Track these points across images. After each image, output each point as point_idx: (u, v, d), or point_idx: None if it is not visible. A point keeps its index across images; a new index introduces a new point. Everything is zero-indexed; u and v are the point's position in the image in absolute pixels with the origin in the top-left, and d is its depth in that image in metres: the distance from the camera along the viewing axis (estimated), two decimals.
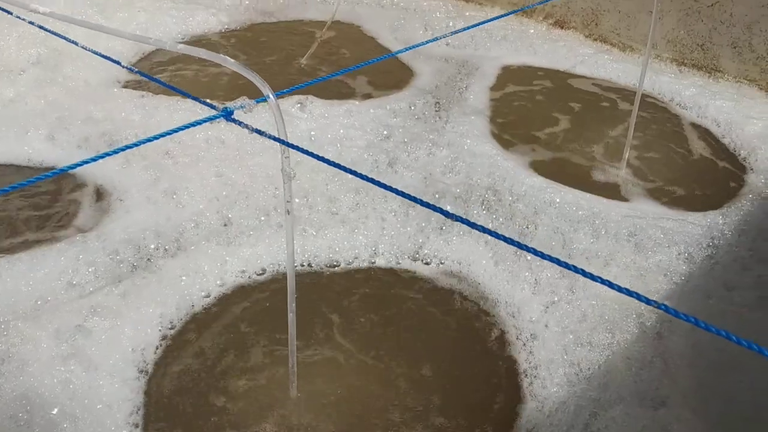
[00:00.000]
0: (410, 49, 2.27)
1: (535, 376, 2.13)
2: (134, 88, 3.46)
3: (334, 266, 2.48)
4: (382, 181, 1.42)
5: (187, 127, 1.58)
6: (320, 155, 1.50)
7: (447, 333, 2.28)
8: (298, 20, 4.36)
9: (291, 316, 1.83)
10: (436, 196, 2.71)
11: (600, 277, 1.27)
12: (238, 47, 3.99)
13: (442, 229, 2.57)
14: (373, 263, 2.50)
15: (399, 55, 4.00)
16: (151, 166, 2.76)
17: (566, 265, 1.30)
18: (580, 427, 1.95)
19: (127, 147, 1.60)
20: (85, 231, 2.53)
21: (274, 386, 2.04)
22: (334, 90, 3.48)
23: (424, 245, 2.55)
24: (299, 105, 3.17)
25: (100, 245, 2.45)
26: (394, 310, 2.34)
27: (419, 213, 2.58)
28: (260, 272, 2.43)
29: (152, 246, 2.45)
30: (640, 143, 3.25)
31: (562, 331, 2.25)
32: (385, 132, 3.10)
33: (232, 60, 1.56)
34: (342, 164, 1.49)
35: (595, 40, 4.16)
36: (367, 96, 3.45)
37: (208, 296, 2.33)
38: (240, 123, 1.53)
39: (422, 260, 2.52)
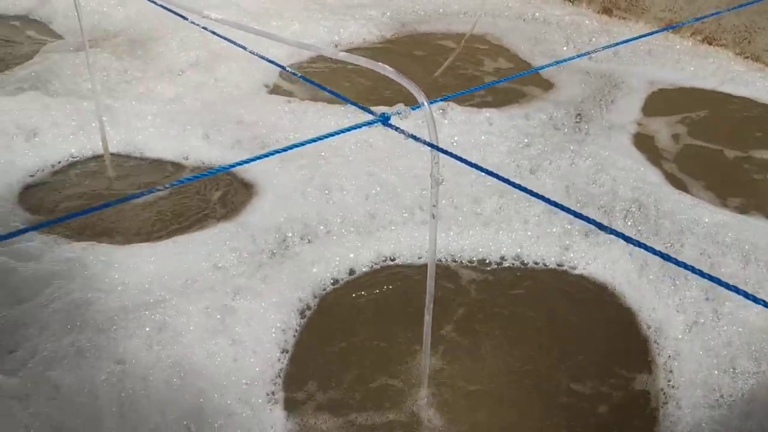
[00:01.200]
0: (557, 63, 2.26)
1: (671, 396, 2.06)
2: (280, 94, 3.63)
3: (477, 265, 2.51)
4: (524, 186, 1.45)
5: (348, 130, 1.66)
6: (473, 161, 1.54)
7: (585, 340, 2.25)
8: (441, 32, 4.43)
9: (427, 318, 1.87)
10: (578, 205, 2.68)
11: (754, 296, 1.22)
12: (384, 56, 4.10)
13: (587, 235, 2.54)
14: (515, 264, 2.52)
15: (532, 65, 3.99)
16: (306, 166, 2.89)
17: (719, 281, 1.26)
18: None
19: (295, 146, 1.68)
20: (235, 221, 2.69)
21: (405, 381, 2.08)
22: (473, 98, 3.52)
23: (570, 248, 2.54)
24: (441, 111, 3.23)
25: (247, 233, 2.60)
26: (533, 314, 2.34)
27: (564, 217, 2.57)
28: (398, 263, 2.50)
29: (295, 235, 2.57)
30: None
31: (704, 353, 2.16)
32: (525, 140, 3.10)
33: (391, 68, 1.62)
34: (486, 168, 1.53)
35: (747, 58, 3.96)
36: (506, 104, 3.46)
37: (336, 283, 2.42)
38: (396, 128, 1.59)
39: (567, 264, 2.51)
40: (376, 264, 2.49)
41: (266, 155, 1.62)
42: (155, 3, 2.56)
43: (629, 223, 2.63)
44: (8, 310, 2.20)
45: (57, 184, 2.95)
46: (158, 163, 3.12)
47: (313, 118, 3.27)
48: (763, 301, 1.22)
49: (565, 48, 4.10)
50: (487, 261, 2.52)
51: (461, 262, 2.52)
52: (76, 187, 2.93)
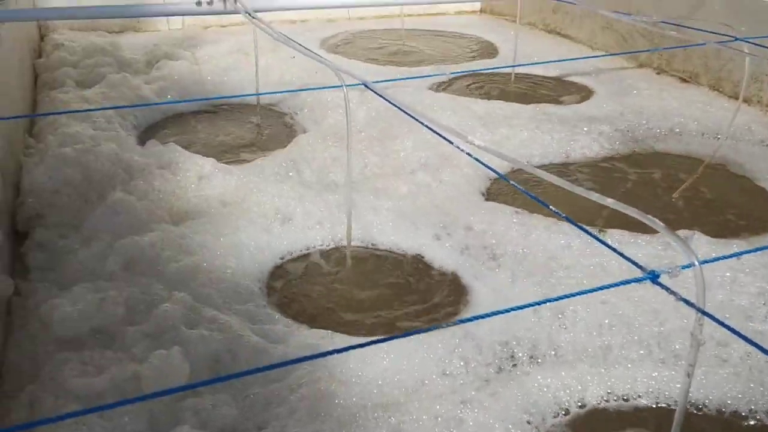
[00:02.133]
0: None
1: None
2: (502, 202, 3.70)
3: (723, 418, 2.36)
4: None
5: (616, 285, 1.67)
6: (738, 330, 1.48)
7: None
8: (677, 152, 4.36)
9: None
10: None
11: None
12: (617, 174, 4.10)
13: None
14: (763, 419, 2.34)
15: None
16: (539, 283, 2.92)
17: None
18: None
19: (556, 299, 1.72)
20: (462, 327, 2.76)
21: None
22: (717, 227, 3.39)
23: None
24: (685, 238, 3.10)
25: (473, 343, 2.66)
26: None
27: None
28: (632, 404, 2.41)
29: (524, 354, 2.59)
30: None
31: None
32: None
33: (662, 224, 1.63)
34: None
35: None
36: (753, 236, 3.28)
37: (567, 414, 2.38)
38: (666, 288, 1.57)
39: None
40: (607, 400, 2.43)
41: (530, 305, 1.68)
42: (426, 125, 2.77)
43: None
44: (260, 388, 2.42)
45: (302, 270, 3.22)
46: (392, 258, 3.31)
47: (542, 234, 3.28)
48: None
49: None
50: (739, 413, 2.35)
51: (705, 412, 2.38)
52: (317, 275, 3.19)
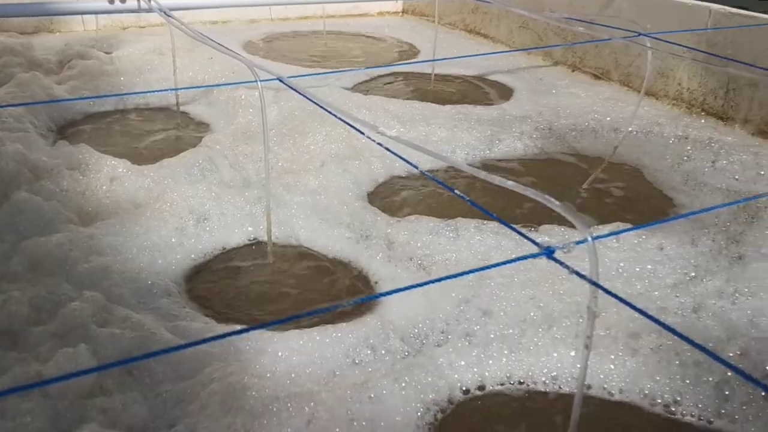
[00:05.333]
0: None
1: None
2: (396, 197, 3.69)
3: (626, 406, 2.44)
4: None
5: (511, 261, 1.73)
6: (632, 303, 1.55)
7: None
8: (590, 149, 4.52)
9: None
10: (738, 352, 2.51)
11: None
12: (529, 173, 4.21)
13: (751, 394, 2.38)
14: (665, 411, 2.40)
15: (673, 186, 3.95)
16: (467, 287, 2.90)
17: None
18: None
19: (457, 275, 1.78)
20: (376, 312, 2.81)
21: None
22: (614, 217, 3.54)
23: (730, 400, 2.37)
24: (614, 237, 3.18)
25: (384, 331, 2.69)
26: None
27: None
28: (535, 387, 2.49)
29: (432, 338, 2.64)
30: None
31: None
32: (693, 273, 3.02)
33: (558, 202, 1.69)
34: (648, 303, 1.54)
35: None
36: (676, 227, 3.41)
37: (468, 392, 2.44)
38: (560, 262, 1.64)
39: (726, 417, 2.35)
40: (511, 382, 2.50)
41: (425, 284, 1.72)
42: (338, 116, 2.77)
43: None
44: (171, 385, 2.38)
45: (220, 268, 3.19)
46: (309, 256, 3.31)
47: (472, 234, 3.30)
48: None
49: (710, 168, 4.04)
50: (648, 401, 2.44)
51: (609, 394, 2.46)
52: (236, 272, 3.17)
